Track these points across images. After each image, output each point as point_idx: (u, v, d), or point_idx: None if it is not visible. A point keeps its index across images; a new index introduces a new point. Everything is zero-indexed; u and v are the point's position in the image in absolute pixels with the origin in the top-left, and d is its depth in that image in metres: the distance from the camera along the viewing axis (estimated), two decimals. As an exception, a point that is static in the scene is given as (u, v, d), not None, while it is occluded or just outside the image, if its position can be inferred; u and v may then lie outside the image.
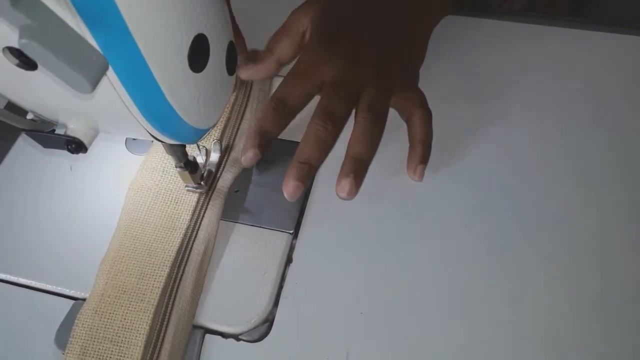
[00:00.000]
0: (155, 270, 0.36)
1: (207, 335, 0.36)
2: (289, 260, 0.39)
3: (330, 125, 0.37)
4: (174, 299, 0.36)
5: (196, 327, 0.36)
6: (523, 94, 0.46)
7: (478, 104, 0.45)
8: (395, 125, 0.41)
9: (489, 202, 0.40)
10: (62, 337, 0.35)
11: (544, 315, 0.36)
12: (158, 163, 0.41)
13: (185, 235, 0.38)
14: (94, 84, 0.22)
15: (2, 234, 0.41)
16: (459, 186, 0.41)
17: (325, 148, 0.37)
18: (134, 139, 0.44)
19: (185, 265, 0.37)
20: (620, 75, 0.47)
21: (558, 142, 0.43)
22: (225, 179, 0.41)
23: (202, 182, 0.40)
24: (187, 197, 0.40)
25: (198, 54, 0.27)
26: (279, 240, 0.39)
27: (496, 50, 0.49)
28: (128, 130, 0.30)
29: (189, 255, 0.37)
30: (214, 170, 0.41)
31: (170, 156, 0.39)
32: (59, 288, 0.38)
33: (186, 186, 0.40)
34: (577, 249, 0.38)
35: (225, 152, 0.43)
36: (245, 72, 0.43)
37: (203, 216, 0.39)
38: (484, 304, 0.36)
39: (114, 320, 0.35)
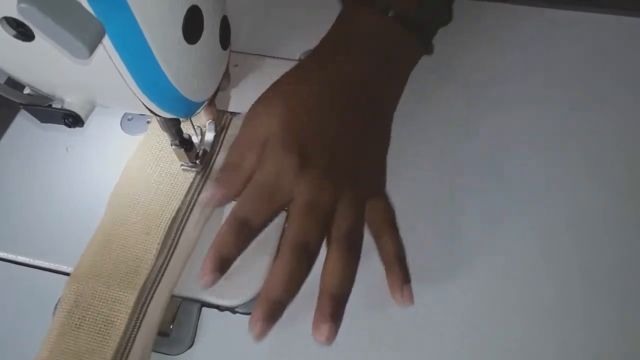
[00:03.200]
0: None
1: (204, 309, 0.37)
2: (283, 236, 0.39)
3: (305, 260, 0.33)
4: None
5: (193, 300, 0.37)
6: (515, 76, 0.47)
7: (469, 87, 0.46)
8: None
9: (480, 177, 0.41)
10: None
11: (539, 285, 0.37)
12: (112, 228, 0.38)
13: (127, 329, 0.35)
14: (92, 49, 0.22)
15: (1, 212, 0.42)
16: (452, 163, 0.42)
17: (300, 284, 0.33)
18: (129, 119, 0.45)
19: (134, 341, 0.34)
20: (613, 56, 0.48)
21: (552, 120, 0.44)
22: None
23: (197, 161, 0.41)
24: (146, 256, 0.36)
25: (192, 26, 0.28)
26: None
27: (488, 31, 0.50)
28: (124, 102, 0.30)
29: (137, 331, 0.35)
30: (208, 149, 0.42)
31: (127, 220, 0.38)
32: (55, 265, 0.39)
33: (181, 165, 0.41)
34: (568, 223, 0.39)
35: (220, 132, 0.43)
36: (212, 201, 0.37)
37: (162, 276, 0.36)
38: (476, 277, 0.38)
39: None
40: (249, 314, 0.36)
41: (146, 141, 0.42)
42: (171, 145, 0.38)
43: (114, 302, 0.35)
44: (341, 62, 0.39)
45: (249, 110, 0.38)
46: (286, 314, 0.34)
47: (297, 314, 0.36)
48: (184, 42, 0.28)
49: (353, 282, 0.33)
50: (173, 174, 0.40)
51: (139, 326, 0.35)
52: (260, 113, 0.37)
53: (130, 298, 0.35)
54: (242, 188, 0.36)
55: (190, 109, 0.32)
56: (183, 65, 0.29)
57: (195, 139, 0.41)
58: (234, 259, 0.34)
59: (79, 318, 0.35)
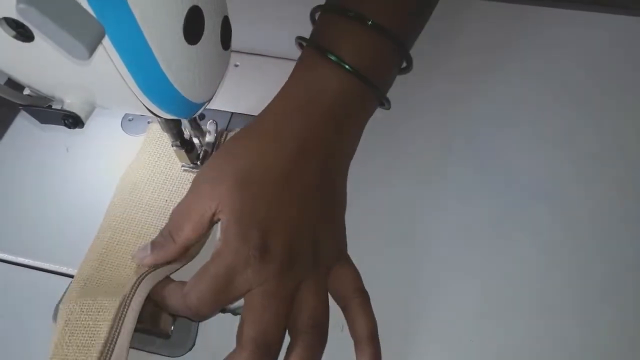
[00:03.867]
0: None
1: (205, 310, 0.36)
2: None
3: (268, 358, 0.31)
4: None
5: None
6: (517, 75, 0.47)
7: (469, 83, 0.46)
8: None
9: (482, 176, 0.41)
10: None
11: (536, 284, 0.37)
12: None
13: None
14: (91, 49, 0.22)
15: (0, 212, 0.41)
16: (453, 162, 0.42)
17: None
18: (129, 120, 0.45)
19: None
20: (613, 54, 0.48)
21: (553, 119, 0.44)
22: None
23: (198, 162, 0.41)
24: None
25: (193, 26, 0.27)
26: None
27: (489, 31, 0.49)
28: (124, 103, 0.30)
29: None
30: (209, 150, 0.42)
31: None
32: (55, 266, 0.39)
33: (182, 166, 0.41)
34: (570, 223, 0.39)
35: (221, 133, 0.43)
36: (141, 261, 0.35)
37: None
38: (480, 278, 0.37)
39: None
40: (250, 315, 0.36)
41: (139, 154, 0.42)
42: (172, 146, 0.38)
43: (99, 311, 0.34)
44: (299, 130, 0.35)
45: (197, 174, 0.36)
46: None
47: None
48: (185, 43, 0.27)
49: None
50: (168, 190, 0.40)
51: (119, 331, 0.34)
52: (207, 183, 0.35)
53: (113, 304, 0.34)
54: (173, 258, 0.35)
55: (191, 109, 0.32)
56: (184, 65, 0.28)
57: (196, 140, 0.41)
58: None
59: (68, 336, 0.34)
